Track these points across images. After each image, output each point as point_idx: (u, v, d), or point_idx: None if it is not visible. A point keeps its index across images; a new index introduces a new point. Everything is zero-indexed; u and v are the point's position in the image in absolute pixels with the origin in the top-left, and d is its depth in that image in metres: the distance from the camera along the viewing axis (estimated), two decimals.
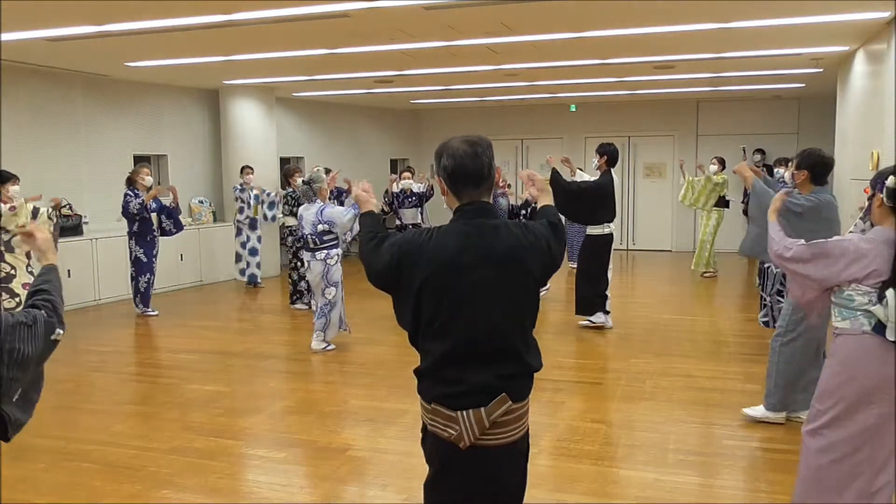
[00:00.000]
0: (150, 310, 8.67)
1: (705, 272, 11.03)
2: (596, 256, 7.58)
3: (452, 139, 2.30)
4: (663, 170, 14.61)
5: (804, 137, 13.44)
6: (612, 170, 7.51)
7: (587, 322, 7.70)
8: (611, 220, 7.54)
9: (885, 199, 2.98)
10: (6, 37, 6.64)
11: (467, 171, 2.24)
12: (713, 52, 8.29)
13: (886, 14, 6.31)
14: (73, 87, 9.43)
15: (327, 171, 10.57)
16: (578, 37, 7.09)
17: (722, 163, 10.97)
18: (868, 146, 7.44)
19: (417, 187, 10.26)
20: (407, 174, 10.29)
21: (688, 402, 5.34)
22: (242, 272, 10.50)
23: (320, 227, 6.87)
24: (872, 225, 3.14)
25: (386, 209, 10.33)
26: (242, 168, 10.43)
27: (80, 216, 9.31)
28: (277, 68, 9.22)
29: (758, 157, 13.12)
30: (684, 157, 13.81)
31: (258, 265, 10.53)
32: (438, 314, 2.20)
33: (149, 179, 8.62)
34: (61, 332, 2.18)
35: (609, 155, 7.44)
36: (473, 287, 2.19)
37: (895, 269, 2.90)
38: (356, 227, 7.05)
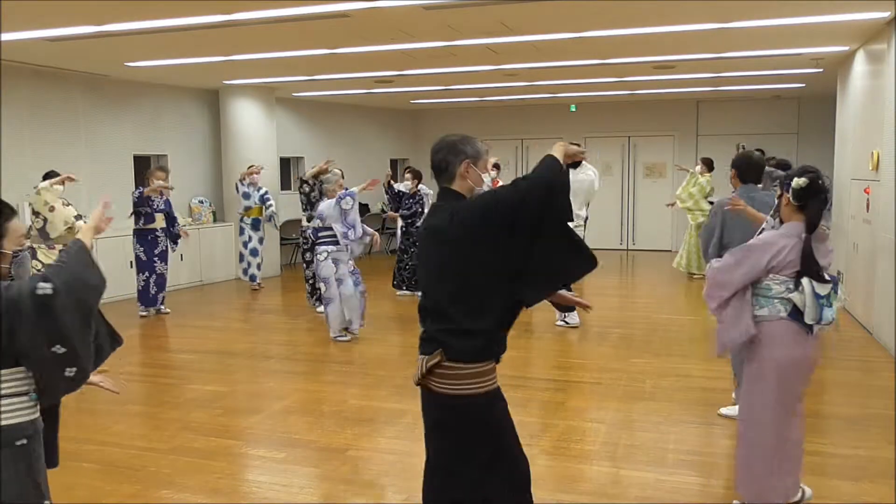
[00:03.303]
0: (145, 310, 8.63)
1: (692, 273, 10.98)
2: None
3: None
4: (663, 170, 14.60)
5: (804, 137, 13.45)
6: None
7: (562, 324, 7.72)
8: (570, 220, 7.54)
9: (791, 198, 3.31)
10: (6, 37, 6.64)
11: (431, 164, 2.79)
12: (713, 52, 8.29)
13: (886, 14, 6.31)
14: (73, 87, 9.43)
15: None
16: (578, 37, 7.09)
17: (707, 164, 10.97)
18: (868, 146, 7.45)
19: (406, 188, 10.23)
20: (408, 174, 10.20)
21: (688, 402, 5.33)
22: (245, 272, 10.48)
23: (315, 223, 7.16)
24: (782, 222, 3.45)
25: (386, 207, 10.26)
26: (250, 166, 10.30)
27: (81, 216, 9.28)
28: (277, 68, 9.22)
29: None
30: (684, 158, 13.83)
31: (258, 266, 10.47)
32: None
33: (158, 183, 8.58)
34: (47, 286, 2.25)
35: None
36: (420, 254, 2.84)
37: (804, 260, 3.26)
38: (359, 229, 7.06)
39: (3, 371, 2.27)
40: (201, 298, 10.03)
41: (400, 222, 9.94)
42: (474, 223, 2.52)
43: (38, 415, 2.40)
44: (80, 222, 7.40)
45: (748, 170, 4.74)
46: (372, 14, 5.95)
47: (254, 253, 10.38)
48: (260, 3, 5.57)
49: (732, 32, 6.99)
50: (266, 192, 10.34)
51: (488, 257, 2.51)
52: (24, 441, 2.31)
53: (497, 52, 8.06)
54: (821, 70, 9.70)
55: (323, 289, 7.13)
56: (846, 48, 8.24)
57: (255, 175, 10.21)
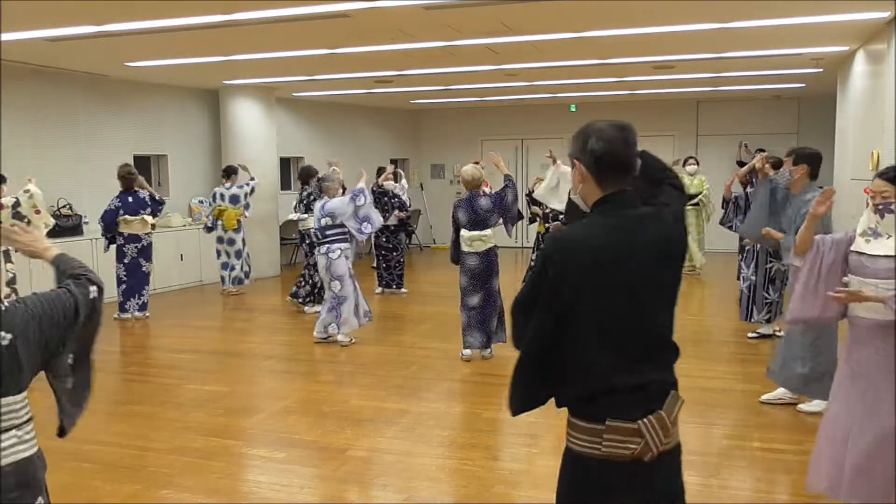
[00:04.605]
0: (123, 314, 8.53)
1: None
2: None
3: (597, 122, 2.11)
4: None
5: (804, 137, 13.43)
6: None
7: None
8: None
9: None
10: (6, 37, 6.64)
11: (619, 158, 2.06)
12: (713, 52, 8.29)
13: (886, 14, 6.31)
14: (73, 87, 9.43)
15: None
16: (578, 37, 7.09)
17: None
18: (868, 146, 7.44)
19: (400, 189, 10.18)
20: (391, 176, 10.14)
21: (688, 402, 5.25)
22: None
23: (323, 222, 7.07)
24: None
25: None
26: (238, 169, 10.12)
27: (80, 216, 9.29)
28: (277, 68, 9.22)
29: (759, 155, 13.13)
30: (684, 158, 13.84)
31: (230, 268, 10.09)
32: (597, 320, 2.03)
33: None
34: (94, 288, 2.17)
35: None
36: (630, 285, 2.03)
37: None
38: (375, 220, 7.10)
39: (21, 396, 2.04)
40: (201, 298, 10.02)
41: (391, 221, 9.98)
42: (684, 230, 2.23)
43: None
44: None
45: (819, 165, 5.16)
46: (372, 14, 5.95)
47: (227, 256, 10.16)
48: (260, 3, 5.57)
49: (732, 32, 6.99)
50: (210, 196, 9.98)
51: None
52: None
53: (497, 52, 8.05)
54: (821, 70, 9.70)
55: (338, 287, 7.06)
56: (846, 48, 8.24)
57: (234, 177, 10.03)
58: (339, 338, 7.16)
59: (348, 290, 7.09)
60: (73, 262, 2.27)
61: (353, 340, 7.19)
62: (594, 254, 2.02)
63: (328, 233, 7.08)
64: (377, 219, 7.23)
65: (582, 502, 2.11)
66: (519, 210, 7.00)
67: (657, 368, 2.07)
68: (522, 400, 2.17)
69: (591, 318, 2.02)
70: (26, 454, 2.00)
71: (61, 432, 2.21)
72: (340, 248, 7.07)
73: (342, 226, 7.08)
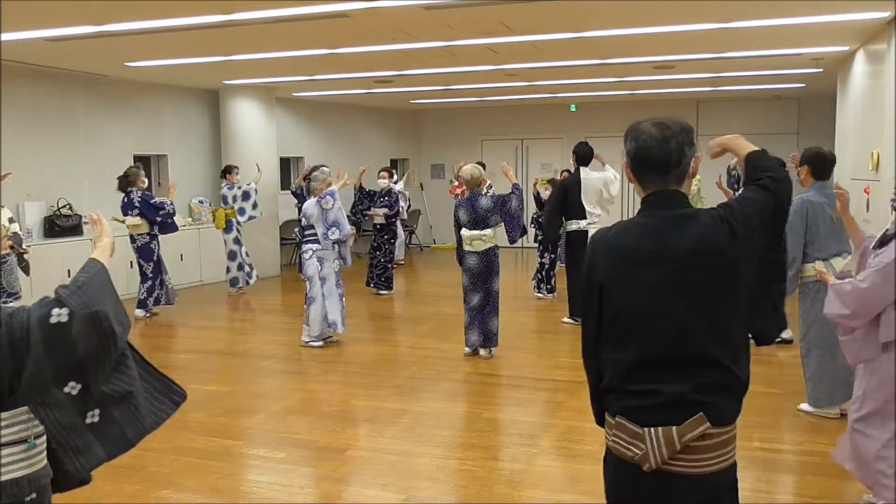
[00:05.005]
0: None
1: None
2: (573, 253, 7.74)
3: (642, 121, 2.12)
4: None
5: (804, 137, 13.44)
6: (588, 168, 7.98)
7: (571, 321, 7.74)
8: (578, 217, 7.77)
9: None
10: (6, 37, 6.63)
11: (651, 156, 2.03)
12: (713, 52, 8.29)
13: (886, 14, 6.31)
14: (73, 87, 9.43)
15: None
16: (578, 37, 7.09)
17: None
18: (868, 146, 7.44)
19: (397, 188, 10.15)
20: (384, 174, 10.11)
21: None
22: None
23: (303, 222, 7.11)
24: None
25: (356, 209, 9.90)
26: (233, 168, 10.11)
27: (80, 216, 9.28)
28: (277, 68, 9.22)
29: None
30: None
31: (236, 269, 10.05)
32: (617, 317, 2.01)
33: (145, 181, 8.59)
34: (63, 312, 1.86)
35: (576, 154, 7.96)
36: (650, 286, 1.96)
37: None
38: (343, 228, 7.00)
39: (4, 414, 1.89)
40: (201, 298, 10.02)
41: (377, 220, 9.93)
42: (751, 234, 1.98)
43: (37, 467, 2.03)
44: (15, 225, 7.13)
45: (822, 165, 4.85)
46: (372, 14, 5.95)
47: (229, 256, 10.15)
48: (260, 3, 5.57)
49: (732, 32, 6.99)
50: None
51: (751, 277, 2.00)
52: None
53: (497, 52, 8.05)
54: (821, 70, 9.70)
55: (307, 288, 7.07)
56: (846, 48, 8.24)
57: (238, 177, 9.99)
58: (303, 337, 7.12)
59: (315, 293, 6.97)
60: (77, 274, 2.01)
61: (314, 343, 7.06)
62: (622, 253, 2.02)
63: (306, 233, 7.09)
64: (346, 226, 7.10)
65: (608, 495, 2.18)
66: (524, 226, 7.09)
67: (681, 383, 1.94)
68: (594, 404, 2.25)
69: (612, 315, 2.03)
70: None
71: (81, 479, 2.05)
72: (312, 250, 6.98)
73: (314, 227, 7.06)
